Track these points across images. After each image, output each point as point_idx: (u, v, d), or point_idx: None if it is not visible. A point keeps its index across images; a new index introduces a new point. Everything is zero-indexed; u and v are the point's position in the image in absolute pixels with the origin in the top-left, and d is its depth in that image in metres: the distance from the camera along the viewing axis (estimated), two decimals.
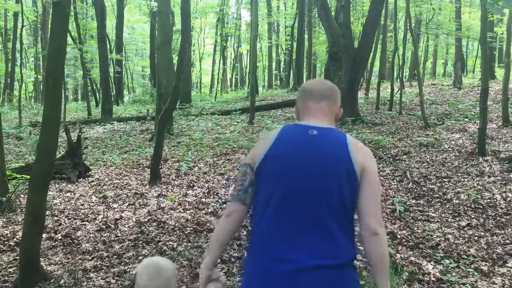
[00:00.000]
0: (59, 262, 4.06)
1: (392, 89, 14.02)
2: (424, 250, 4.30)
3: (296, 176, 1.65)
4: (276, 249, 1.63)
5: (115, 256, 4.14)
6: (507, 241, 4.51)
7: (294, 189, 1.64)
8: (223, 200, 5.89)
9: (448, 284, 3.51)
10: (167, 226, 4.93)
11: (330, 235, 1.63)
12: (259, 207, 1.72)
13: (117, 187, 7.07)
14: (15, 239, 4.64)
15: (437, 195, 6.00)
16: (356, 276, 1.69)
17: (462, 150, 8.08)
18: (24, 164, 7.68)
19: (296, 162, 1.66)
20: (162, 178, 7.25)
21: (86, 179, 7.72)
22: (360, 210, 1.66)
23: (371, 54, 14.06)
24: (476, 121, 9.78)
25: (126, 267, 3.85)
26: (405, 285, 3.45)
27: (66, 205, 6.08)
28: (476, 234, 4.73)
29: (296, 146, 1.69)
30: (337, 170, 1.64)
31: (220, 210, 5.48)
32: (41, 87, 28.54)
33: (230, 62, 41.94)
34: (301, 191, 1.64)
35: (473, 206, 5.51)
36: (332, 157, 1.66)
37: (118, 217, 5.37)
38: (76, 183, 7.43)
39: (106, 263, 4.00)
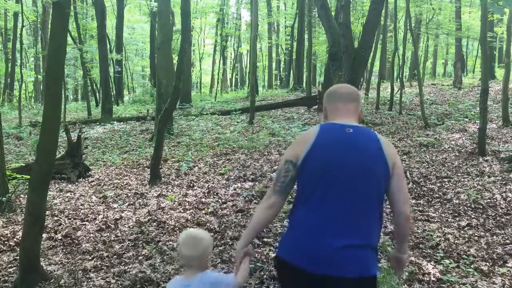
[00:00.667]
0: (59, 262, 4.06)
1: (392, 89, 14.02)
2: (424, 250, 4.30)
3: (339, 169, 1.88)
4: (319, 227, 1.87)
5: (115, 256, 4.14)
6: (507, 241, 4.51)
7: (338, 181, 1.88)
8: (223, 200, 5.89)
9: (448, 284, 3.51)
10: (167, 226, 4.93)
11: (368, 218, 1.91)
12: (301, 192, 1.95)
13: (117, 187, 7.07)
14: (15, 239, 4.64)
15: (437, 195, 6.00)
16: (376, 255, 1.99)
17: (462, 150, 8.08)
18: (24, 164, 7.68)
19: (338, 157, 1.89)
20: (162, 178, 7.25)
21: (86, 179, 7.72)
22: (393, 198, 1.95)
23: (371, 54, 14.05)
24: (476, 121, 9.78)
25: (126, 267, 3.84)
26: (405, 285, 3.45)
27: (66, 205, 6.09)
28: (476, 234, 4.73)
29: (337, 143, 1.92)
30: (374, 163, 1.90)
31: (220, 210, 5.48)
32: (41, 87, 28.55)
33: (230, 62, 41.95)
34: (344, 182, 1.88)
35: (473, 206, 5.51)
36: (369, 152, 1.91)
37: (118, 217, 5.37)
38: (76, 183, 7.43)
39: (106, 263, 4.00)
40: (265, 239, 4.38)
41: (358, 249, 1.88)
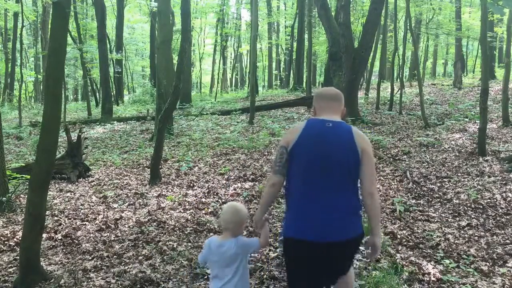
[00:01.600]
0: (59, 262, 4.06)
1: (392, 89, 14.02)
2: (424, 250, 4.29)
3: (319, 155, 2.36)
4: (307, 206, 2.35)
5: (115, 256, 4.14)
6: (507, 241, 4.51)
7: (319, 163, 2.36)
8: (223, 200, 5.89)
9: (448, 284, 3.51)
10: (167, 226, 4.93)
11: (346, 193, 2.38)
12: (294, 176, 2.42)
13: (117, 187, 7.07)
14: (15, 239, 4.64)
15: (437, 195, 6.00)
16: (361, 220, 2.45)
17: (462, 150, 8.08)
18: (24, 164, 7.68)
19: (319, 145, 2.37)
20: (162, 178, 7.25)
21: (86, 179, 7.72)
22: (360, 178, 2.40)
23: (371, 54, 14.06)
24: (476, 121, 9.78)
25: (126, 267, 3.84)
26: (405, 285, 3.45)
27: (66, 205, 6.08)
28: (476, 234, 4.73)
29: (318, 134, 2.40)
30: (345, 151, 2.36)
31: (220, 210, 5.48)
32: (41, 87, 28.55)
33: (230, 62, 41.94)
34: (323, 165, 2.35)
35: (473, 206, 5.51)
36: (341, 142, 2.38)
37: (118, 217, 5.37)
38: (76, 183, 7.43)
39: (106, 263, 4.00)
40: None
41: (342, 219, 2.34)
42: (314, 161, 2.36)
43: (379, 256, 3.94)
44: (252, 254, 3.71)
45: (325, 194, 2.35)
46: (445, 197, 5.91)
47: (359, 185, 2.42)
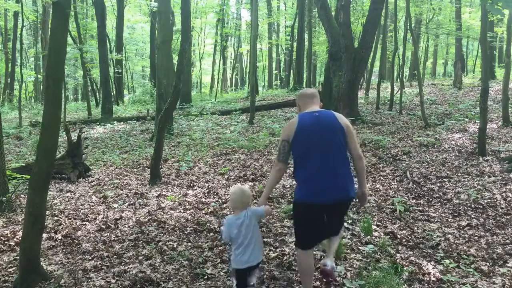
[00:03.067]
0: (59, 262, 4.06)
1: (392, 89, 14.02)
2: (424, 250, 4.30)
3: (316, 138, 3.04)
4: (319, 175, 3.01)
5: (115, 256, 4.14)
6: (507, 241, 4.51)
7: (318, 144, 3.03)
8: (223, 200, 5.89)
9: (448, 284, 3.51)
10: (167, 226, 4.93)
11: (341, 161, 3.06)
12: (299, 159, 3.09)
13: (117, 187, 7.07)
14: (15, 239, 4.64)
15: (437, 195, 6.00)
16: (353, 183, 3.14)
17: (462, 150, 8.08)
18: (24, 164, 7.68)
19: (313, 131, 3.05)
20: (162, 178, 7.25)
21: (86, 179, 7.72)
22: (350, 147, 3.10)
23: (371, 54, 14.06)
24: (476, 121, 9.78)
25: (126, 267, 3.84)
26: (405, 285, 3.45)
27: (66, 205, 6.08)
28: (476, 234, 4.73)
29: (311, 123, 3.07)
30: (334, 130, 3.06)
31: (220, 210, 5.48)
32: (41, 87, 28.55)
33: (230, 62, 41.94)
34: (321, 145, 3.03)
35: (473, 206, 5.51)
36: (329, 124, 3.08)
37: (118, 217, 5.37)
38: (76, 183, 7.43)
39: (106, 263, 4.00)
40: (265, 239, 4.38)
41: (340, 181, 3.04)
42: (314, 144, 3.02)
43: (378, 256, 3.94)
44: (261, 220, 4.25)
45: (327, 167, 3.01)
46: (445, 197, 5.91)
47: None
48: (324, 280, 3.40)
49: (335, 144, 3.04)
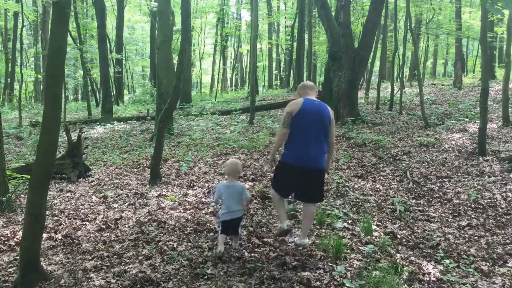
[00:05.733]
0: (59, 262, 4.06)
1: (392, 89, 14.02)
2: (424, 250, 4.30)
3: (312, 118, 3.95)
4: (307, 147, 3.95)
5: (115, 256, 4.14)
6: (507, 241, 4.51)
7: (311, 123, 3.95)
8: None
9: (448, 284, 3.51)
10: (167, 226, 4.93)
11: (322, 142, 4.01)
12: (295, 130, 3.96)
13: (117, 187, 7.07)
14: (15, 239, 4.63)
15: (437, 195, 6.00)
16: (326, 159, 4.10)
17: (462, 150, 8.08)
18: (24, 164, 7.68)
19: (311, 112, 3.97)
20: (162, 178, 7.25)
21: (86, 179, 7.72)
22: (329, 134, 4.04)
23: (371, 54, 14.06)
24: (476, 121, 9.78)
25: (126, 267, 3.84)
26: (405, 285, 3.45)
27: (66, 205, 6.08)
28: (476, 234, 4.73)
29: (311, 106, 4.00)
30: (325, 117, 4.00)
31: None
32: (41, 87, 28.55)
33: (230, 62, 41.94)
34: (313, 124, 3.95)
35: (473, 206, 5.51)
36: (323, 112, 4.01)
37: (118, 217, 5.37)
38: (76, 183, 7.43)
39: (106, 263, 4.00)
40: (265, 239, 4.38)
41: (319, 155, 3.99)
42: (309, 123, 3.95)
43: (378, 256, 3.94)
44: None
45: (313, 142, 3.96)
46: (445, 197, 5.91)
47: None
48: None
49: (323, 128, 3.99)
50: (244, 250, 4.12)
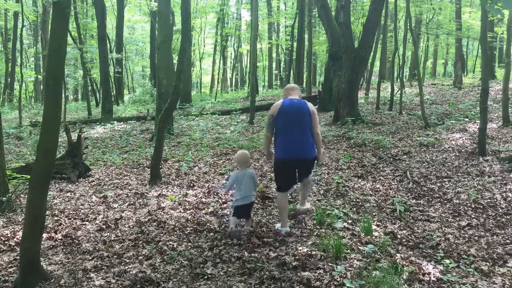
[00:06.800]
0: (59, 262, 4.06)
1: (392, 89, 14.02)
2: (424, 250, 4.30)
3: (292, 116, 4.48)
4: (291, 142, 4.46)
5: (115, 256, 4.14)
6: (507, 241, 4.51)
7: (292, 120, 4.46)
8: (223, 200, 5.89)
9: (448, 284, 3.51)
10: (167, 226, 4.93)
11: (306, 135, 4.49)
12: (279, 129, 4.51)
13: (117, 187, 7.07)
14: (15, 239, 4.64)
15: (437, 195, 6.00)
16: (314, 148, 4.60)
17: (462, 150, 8.08)
18: (24, 164, 7.68)
19: (290, 112, 4.49)
20: (162, 178, 7.25)
21: (86, 179, 7.72)
22: (312, 126, 4.53)
23: (371, 54, 14.06)
24: (476, 121, 9.78)
25: (126, 267, 3.84)
26: (405, 285, 3.45)
27: (66, 205, 6.09)
28: (476, 234, 4.73)
29: (289, 106, 4.52)
30: (304, 113, 4.51)
31: (220, 210, 5.48)
32: (41, 87, 28.54)
33: (230, 62, 41.93)
34: (295, 121, 4.47)
35: (473, 206, 5.51)
36: (302, 108, 4.52)
37: (118, 217, 5.37)
38: (76, 183, 7.43)
39: (106, 263, 4.00)
40: (265, 239, 4.38)
41: (305, 146, 4.48)
42: (290, 120, 4.47)
43: (378, 256, 3.94)
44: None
45: (297, 136, 4.46)
46: (445, 197, 5.91)
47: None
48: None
49: (303, 122, 4.48)
50: (244, 250, 4.12)
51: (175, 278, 3.63)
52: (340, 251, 3.88)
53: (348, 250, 4.02)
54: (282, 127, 4.47)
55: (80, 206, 6.00)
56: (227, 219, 5.02)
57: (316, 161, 4.71)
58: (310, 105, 4.56)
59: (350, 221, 4.88)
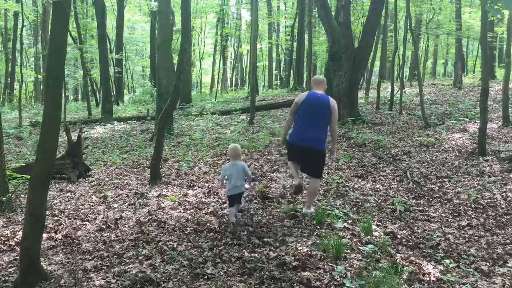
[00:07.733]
0: (59, 262, 4.06)
1: (392, 89, 14.02)
2: (424, 250, 4.29)
3: (313, 108, 4.89)
4: (305, 130, 4.91)
5: (115, 256, 4.14)
6: (507, 241, 4.51)
7: (313, 112, 4.89)
8: (223, 200, 5.89)
9: (448, 284, 3.51)
10: (167, 226, 4.93)
11: (321, 129, 4.93)
12: (300, 117, 4.96)
13: (117, 187, 7.07)
14: (15, 239, 4.64)
15: (437, 195, 6.00)
16: (324, 143, 4.99)
17: (462, 150, 8.08)
18: (24, 164, 7.68)
19: (313, 104, 4.90)
20: (162, 178, 7.25)
21: (86, 179, 7.72)
22: (330, 121, 4.93)
23: (371, 54, 14.05)
24: (476, 121, 9.78)
25: (126, 267, 3.84)
26: (405, 285, 3.45)
27: (66, 205, 6.09)
28: (476, 234, 4.73)
29: (313, 99, 4.92)
30: (326, 107, 4.87)
31: (220, 210, 5.48)
32: (41, 87, 28.54)
33: (230, 62, 41.93)
34: (314, 113, 4.88)
35: (473, 206, 5.51)
36: (324, 103, 4.88)
37: (118, 217, 5.37)
38: (76, 183, 7.43)
39: (106, 263, 4.00)
40: (265, 239, 4.38)
41: (315, 138, 4.85)
42: (311, 111, 4.86)
43: (379, 256, 3.95)
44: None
45: (313, 127, 4.86)
46: (445, 197, 5.91)
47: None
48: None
49: (322, 117, 4.86)
50: (244, 250, 4.12)
51: (175, 278, 3.63)
52: (340, 251, 3.88)
53: (348, 250, 4.02)
54: (302, 116, 4.90)
55: (80, 206, 6.00)
56: (227, 218, 5.06)
57: (329, 153, 5.20)
58: (332, 101, 4.84)
59: (350, 221, 4.88)
